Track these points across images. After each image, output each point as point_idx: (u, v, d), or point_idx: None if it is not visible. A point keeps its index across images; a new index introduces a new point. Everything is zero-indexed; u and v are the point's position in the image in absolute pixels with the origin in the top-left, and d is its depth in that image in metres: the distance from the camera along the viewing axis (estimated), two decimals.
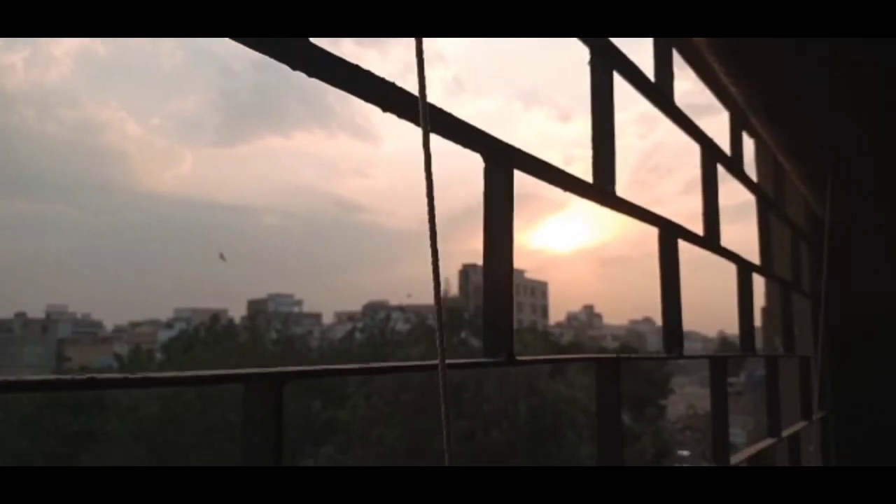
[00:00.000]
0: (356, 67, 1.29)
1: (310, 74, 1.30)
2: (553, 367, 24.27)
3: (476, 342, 26.32)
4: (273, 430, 1.05)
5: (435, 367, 1.22)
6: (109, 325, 75.00)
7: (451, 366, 1.29)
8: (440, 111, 1.44)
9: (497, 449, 20.41)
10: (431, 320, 30.89)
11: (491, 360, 1.60)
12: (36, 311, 70.07)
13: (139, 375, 1.02)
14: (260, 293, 71.37)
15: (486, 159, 1.70)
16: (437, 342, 1.21)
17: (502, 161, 1.70)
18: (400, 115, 1.41)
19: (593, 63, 2.21)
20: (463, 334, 30.25)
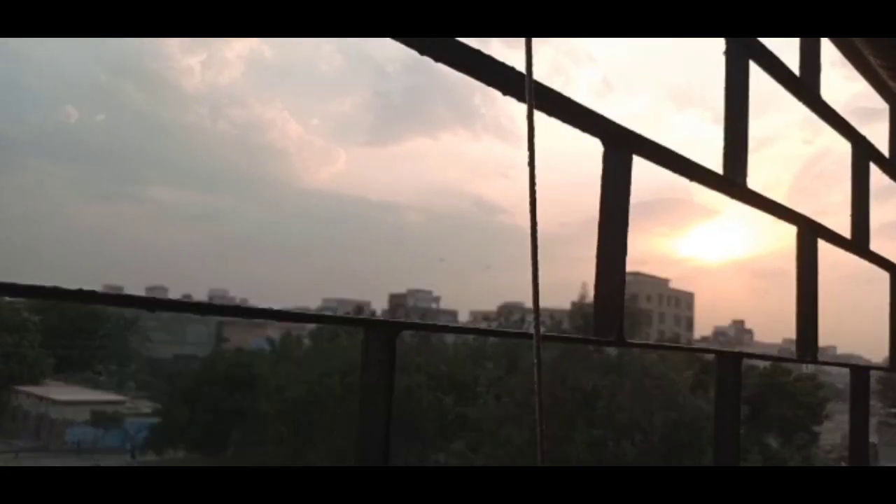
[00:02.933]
0: (477, 52, 1.39)
1: (436, 60, 1.41)
2: (694, 381, 23.17)
3: (613, 350, 25.70)
4: (387, 371, 1.18)
5: (530, 336, 1.28)
6: None
7: (547, 338, 1.35)
8: (555, 93, 1.51)
9: (628, 461, 19.83)
10: (567, 324, 30.40)
11: (597, 338, 1.64)
12: (200, 294, 76.87)
13: (282, 310, 1.19)
14: (400, 288, 73.86)
15: (604, 143, 1.74)
16: (533, 314, 1.28)
17: (621, 145, 1.74)
18: (519, 99, 1.49)
19: (728, 52, 2.18)
20: None
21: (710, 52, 2.17)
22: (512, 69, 1.45)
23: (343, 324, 1.35)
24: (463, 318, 72.78)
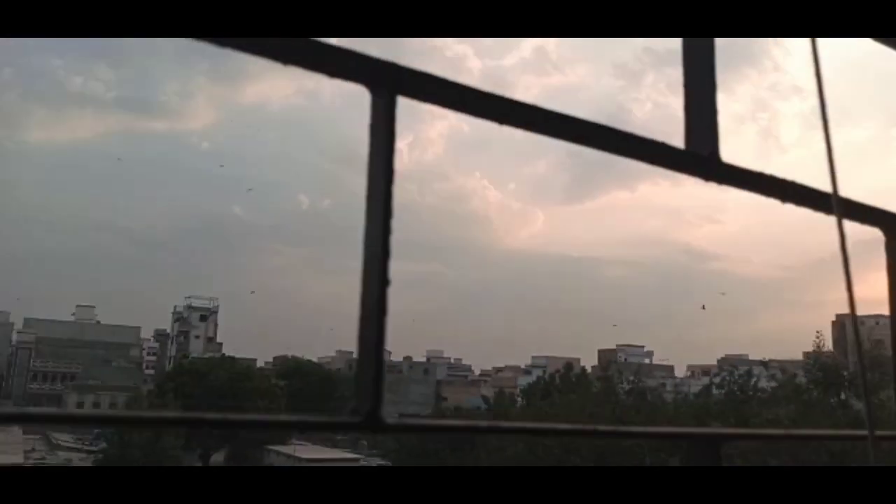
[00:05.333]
0: (660, 144, 1.54)
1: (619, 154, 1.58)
2: None
3: (858, 404, 22.91)
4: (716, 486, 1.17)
5: (864, 437, 1.14)
6: (477, 370, 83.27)
7: (883, 437, 1.20)
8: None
9: None
10: (801, 377, 27.62)
11: None
12: (419, 356, 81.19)
13: (578, 426, 1.30)
14: (609, 343, 71.96)
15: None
16: (864, 406, 1.16)
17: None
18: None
19: None
20: (843, 395, 26.60)
21: None
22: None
23: (663, 438, 1.38)
24: (679, 372, 68.80)
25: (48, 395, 67.43)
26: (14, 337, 76.92)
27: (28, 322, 75.38)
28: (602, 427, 1.32)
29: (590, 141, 1.26)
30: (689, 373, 67.18)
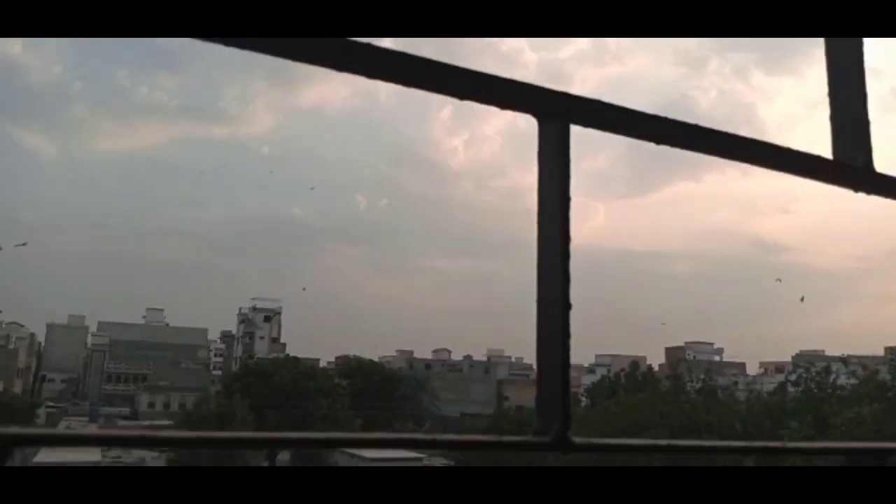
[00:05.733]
0: (811, 156, 1.47)
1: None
2: None
3: None
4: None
5: None
6: None
7: None
8: None
9: None
10: (884, 373, 26.41)
11: None
12: (479, 355, 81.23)
13: (689, 443, 1.44)
14: (676, 341, 70.41)
15: None
16: None
17: None
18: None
19: None
20: None
21: None
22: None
23: (828, 454, 1.46)
24: (752, 370, 66.82)
25: (122, 395, 70.41)
26: (89, 340, 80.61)
27: (102, 325, 78.82)
28: (794, 444, 1.28)
29: (745, 157, 1.22)
30: (761, 370, 65.23)
